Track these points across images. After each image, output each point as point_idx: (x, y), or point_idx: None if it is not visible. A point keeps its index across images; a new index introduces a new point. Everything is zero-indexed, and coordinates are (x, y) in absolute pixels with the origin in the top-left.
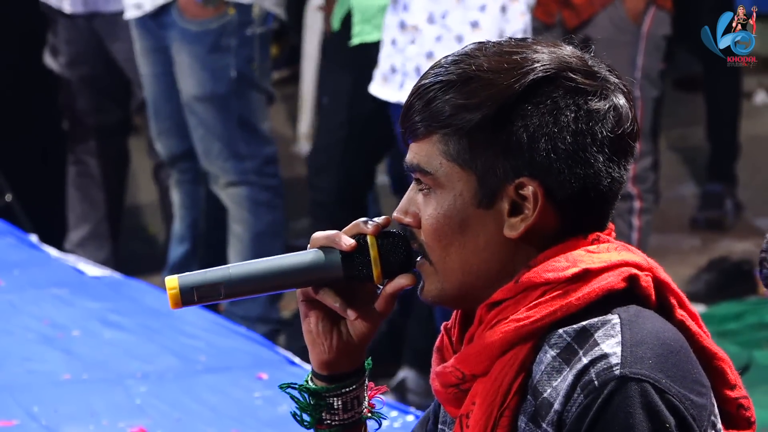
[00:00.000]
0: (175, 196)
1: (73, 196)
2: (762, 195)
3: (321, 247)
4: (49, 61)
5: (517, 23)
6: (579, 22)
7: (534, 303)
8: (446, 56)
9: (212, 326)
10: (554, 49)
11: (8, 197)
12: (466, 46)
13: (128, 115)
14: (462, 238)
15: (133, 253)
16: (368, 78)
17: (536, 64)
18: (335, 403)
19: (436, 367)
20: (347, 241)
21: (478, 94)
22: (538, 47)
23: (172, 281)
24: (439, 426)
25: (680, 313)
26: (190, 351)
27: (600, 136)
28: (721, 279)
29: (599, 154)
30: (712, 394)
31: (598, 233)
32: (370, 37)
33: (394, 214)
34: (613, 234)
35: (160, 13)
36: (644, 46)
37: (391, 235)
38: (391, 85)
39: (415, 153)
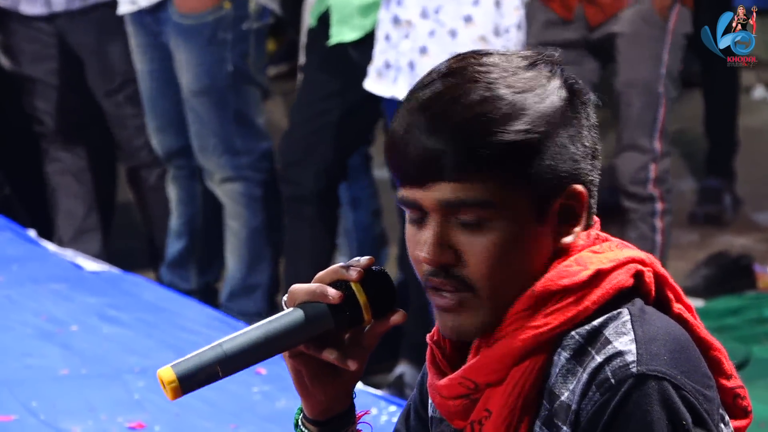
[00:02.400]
0: (172, 193)
1: (55, 195)
2: (760, 190)
3: (304, 303)
4: (4, 61)
5: (511, 18)
6: (603, 18)
7: (551, 310)
8: (445, 79)
9: (210, 321)
10: (530, 55)
11: (6, 191)
12: (452, 65)
13: (98, 107)
14: (523, 257)
15: (129, 248)
16: (346, 72)
17: (553, 79)
18: None
19: (436, 381)
20: (333, 293)
21: (525, 123)
22: (527, 53)
23: (169, 373)
24: None
25: (677, 306)
26: (188, 346)
27: (594, 125)
28: (719, 274)
29: (598, 144)
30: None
31: (597, 231)
32: (347, 37)
33: (425, 255)
34: (598, 226)
35: (156, 8)
36: (669, 42)
37: (373, 275)
38: (385, 81)
39: (460, 191)
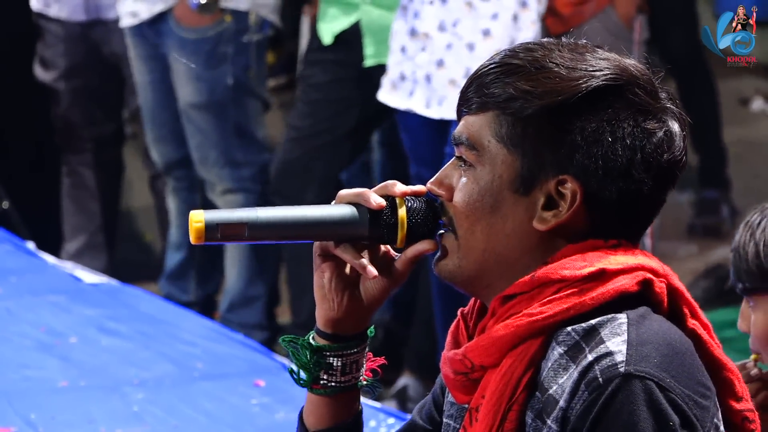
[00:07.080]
0: (172, 204)
1: (68, 208)
2: (759, 202)
3: (348, 204)
4: (40, 72)
5: (528, 32)
6: (563, 29)
7: (548, 299)
8: (520, 43)
9: (209, 333)
10: (626, 60)
11: (5, 204)
12: (542, 39)
13: (121, 126)
14: (491, 218)
15: (130, 261)
16: (354, 90)
17: (606, 71)
18: (335, 363)
19: (447, 352)
20: (377, 200)
21: (544, 84)
22: (611, 55)
23: (198, 215)
24: (445, 420)
25: (692, 322)
26: (187, 358)
27: (650, 156)
28: (718, 285)
29: (645, 173)
30: (716, 399)
31: (622, 240)
32: (386, 59)
33: (428, 184)
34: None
35: (156, 21)
36: (637, 53)
37: (420, 201)
38: (400, 93)
39: (465, 126)
